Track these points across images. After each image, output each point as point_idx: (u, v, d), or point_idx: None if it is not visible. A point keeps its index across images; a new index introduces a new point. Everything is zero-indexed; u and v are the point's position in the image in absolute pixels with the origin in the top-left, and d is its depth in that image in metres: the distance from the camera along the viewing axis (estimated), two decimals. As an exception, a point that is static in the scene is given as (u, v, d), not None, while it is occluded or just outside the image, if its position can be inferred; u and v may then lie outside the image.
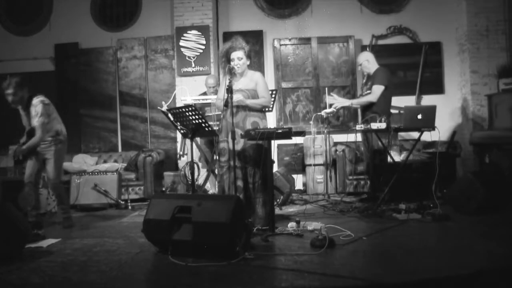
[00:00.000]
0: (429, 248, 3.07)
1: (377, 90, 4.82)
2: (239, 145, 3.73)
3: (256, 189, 3.76)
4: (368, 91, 4.95)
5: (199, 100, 4.91)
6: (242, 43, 3.85)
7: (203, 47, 6.45)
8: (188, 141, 4.27)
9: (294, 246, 3.16)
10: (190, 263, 2.79)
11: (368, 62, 5.04)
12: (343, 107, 5.35)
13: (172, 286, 2.51)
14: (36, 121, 4.07)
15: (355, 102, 5.10)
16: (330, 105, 5.39)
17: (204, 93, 5.41)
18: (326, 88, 6.01)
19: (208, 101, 4.89)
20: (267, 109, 4.14)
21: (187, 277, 2.58)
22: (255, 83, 3.85)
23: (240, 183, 3.74)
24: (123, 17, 7.04)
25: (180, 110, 4.00)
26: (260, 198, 3.75)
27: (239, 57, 3.80)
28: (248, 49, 3.88)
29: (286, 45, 6.77)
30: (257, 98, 3.84)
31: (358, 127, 4.45)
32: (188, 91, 5.64)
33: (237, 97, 3.66)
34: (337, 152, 5.94)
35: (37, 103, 4.11)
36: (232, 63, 3.80)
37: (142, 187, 5.96)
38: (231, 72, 3.75)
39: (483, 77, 6.29)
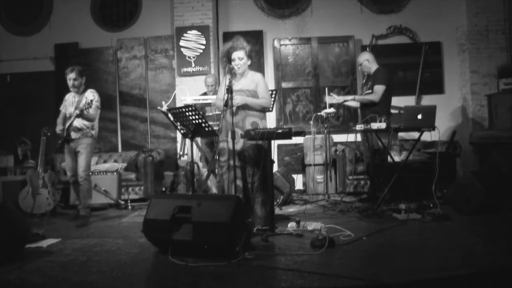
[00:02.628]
0: (429, 248, 3.06)
1: (379, 90, 4.82)
2: (238, 145, 3.73)
3: (255, 189, 3.76)
4: (368, 91, 4.95)
5: (199, 100, 4.91)
6: (243, 43, 3.84)
7: (203, 47, 6.45)
8: (188, 141, 4.27)
9: (294, 246, 3.16)
10: (190, 263, 2.79)
11: (368, 62, 5.04)
12: (344, 103, 5.33)
13: (172, 286, 2.51)
14: (93, 104, 4.49)
15: (358, 98, 5.06)
16: (330, 106, 5.39)
17: (205, 93, 5.40)
18: (326, 88, 6.00)
19: (208, 101, 4.89)
20: (267, 110, 4.13)
21: (187, 277, 2.58)
22: (255, 84, 3.84)
23: (239, 183, 3.74)
24: (123, 17, 7.05)
25: (180, 110, 4.00)
26: (259, 198, 3.75)
27: (239, 57, 3.79)
28: (249, 49, 3.86)
29: (286, 45, 6.77)
30: (257, 98, 3.84)
31: (358, 127, 4.44)
32: (188, 91, 5.64)
33: (236, 101, 3.66)
34: (337, 152, 5.94)
35: (95, 93, 4.65)
36: (233, 63, 3.79)
37: (142, 187, 5.96)
38: (232, 72, 3.75)
39: (483, 77, 6.29)
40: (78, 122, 4.51)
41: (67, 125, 4.48)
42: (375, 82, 4.87)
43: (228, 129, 3.71)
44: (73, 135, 4.52)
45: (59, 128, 4.53)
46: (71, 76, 4.56)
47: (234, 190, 3.65)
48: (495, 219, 3.86)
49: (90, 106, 4.40)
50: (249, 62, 3.87)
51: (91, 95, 4.59)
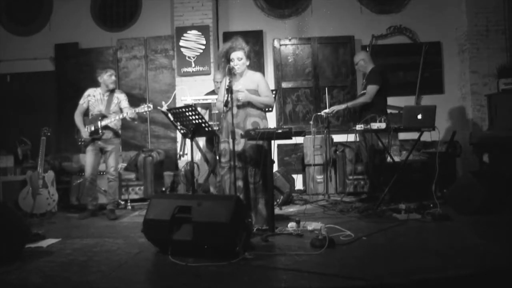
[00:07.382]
0: (429, 248, 3.06)
1: (371, 90, 4.83)
2: (239, 146, 3.74)
3: (257, 189, 3.76)
4: (363, 91, 4.96)
5: (199, 100, 4.91)
6: (242, 44, 3.85)
7: (203, 47, 6.45)
8: (188, 141, 4.27)
9: (294, 246, 3.16)
10: (190, 263, 2.79)
11: (364, 62, 5.05)
12: (338, 111, 5.35)
13: (172, 286, 2.51)
14: (126, 104, 4.83)
15: (351, 105, 5.04)
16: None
17: (213, 91, 5.34)
18: (326, 88, 6.01)
19: (209, 101, 4.89)
20: (268, 109, 4.14)
21: (187, 277, 2.58)
22: (256, 84, 3.85)
23: (240, 183, 3.74)
24: (123, 17, 7.04)
25: (180, 110, 4.01)
26: (260, 198, 3.75)
27: (238, 57, 3.80)
28: (248, 49, 3.88)
29: (286, 45, 6.77)
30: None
31: (358, 127, 4.44)
32: (188, 91, 5.64)
33: (240, 96, 3.67)
34: (337, 152, 5.94)
35: (124, 94, 4.97)
36: (231, 63, 3.80)
37: (142, 187, 5.95)
38: (231, 72, 3.77)
39: (483, 77, 6.29)
40: (113, 123, 4.73)
41: (104, 124, 4.67)
42: (368, 82, 4.89)
43: (228, 130, 3.72)
44: (107, 135, 4.74)
45: (90, 128, 4.70)
46: (112, 72, 4.89)
47: (235, 190, 3.65)
48: (495, 219, 3.85)
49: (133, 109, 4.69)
50: (247, 63, 3.88)
51: (122, 96, 4.87)
